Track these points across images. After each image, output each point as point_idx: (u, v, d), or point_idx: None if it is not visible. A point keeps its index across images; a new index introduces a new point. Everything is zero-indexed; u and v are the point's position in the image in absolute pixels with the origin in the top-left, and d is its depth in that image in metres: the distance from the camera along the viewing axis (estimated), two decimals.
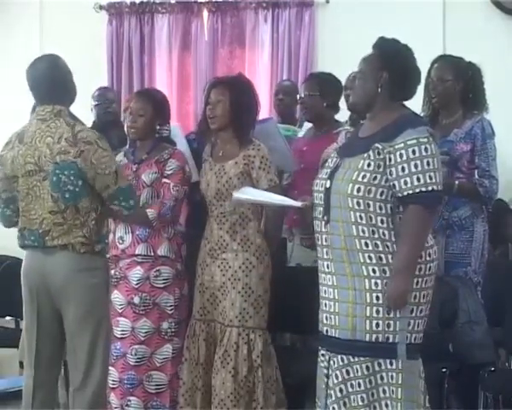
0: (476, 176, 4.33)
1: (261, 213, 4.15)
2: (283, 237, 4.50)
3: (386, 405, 3.19)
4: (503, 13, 5.99)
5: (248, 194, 3.71)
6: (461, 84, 4.35)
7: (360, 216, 3.17)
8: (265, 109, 6.01)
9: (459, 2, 5.98)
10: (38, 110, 3.73)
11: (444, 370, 4.01)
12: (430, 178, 3.14)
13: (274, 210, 4.07)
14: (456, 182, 4.20)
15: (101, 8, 6.47)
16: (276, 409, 4.01)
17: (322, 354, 3.32)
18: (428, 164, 3.14)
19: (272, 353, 4.05)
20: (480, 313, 4.07)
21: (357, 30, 5.83)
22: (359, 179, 3.17)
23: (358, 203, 3.17)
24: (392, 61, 3.28)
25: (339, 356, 3.21)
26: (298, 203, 3.43)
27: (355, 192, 3.17)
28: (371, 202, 3.17)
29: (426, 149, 3.15)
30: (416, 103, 4.33)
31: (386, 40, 3.35)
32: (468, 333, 4.01)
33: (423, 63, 4.45)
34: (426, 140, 3.17)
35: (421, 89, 4.44)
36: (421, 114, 4.30)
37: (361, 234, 3.17)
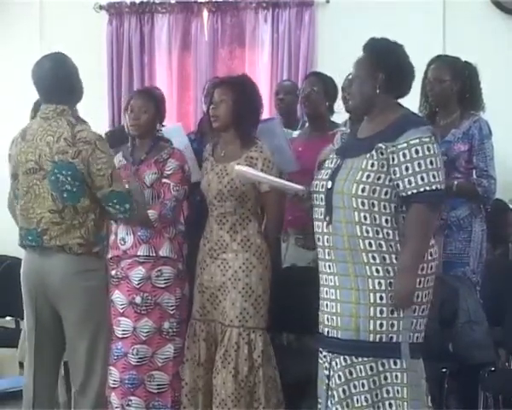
0: (474, 176, 4.34)
1: (262, 214, 4.15)
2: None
3: (390, 405, 3.19)
4: (503, 13, 5.99)
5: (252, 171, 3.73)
6: (458, 85, 4.36)
7: (364, 216, 3.17)
8: (265, 109, 6.00)
9: (459, 2, 5.98)
10: (42, 108, 3.75)
11: (444, 370, 4.01)
12: (434, 177, 3.16)
13: (275, 211, 4.08)
14: (455, 182, 4.20)
15: (101, 8, 6.47)
16: (275, 409, 4.01)
17: (324, 356, 3.31)
18: (432, 163, 3.16)
19: (272, 353, 4.06)
20: (479, 313, 4.07)
21: (357, 30, 5.81)
22: (363, 179, 3.18)
23: (363, 203, 3.17)
24: (386, 61, 3.29)
25: (341, 357, 3.21)
26: (300, 187, 3.40)
27: (360, 192, 3.17)
28: (376, 202, 3.18)
29: (428, 149, 3.16)
30: (414, 103, 4.36)
31: (377, 40, 3.36)
32: (468, 333, 4.01)
33: (423, 63, 4.47)
34: (428, 139, 3.18)
35: (417, 89, 4.46)
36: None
37: (365, 234, 3.17)
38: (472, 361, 4.00)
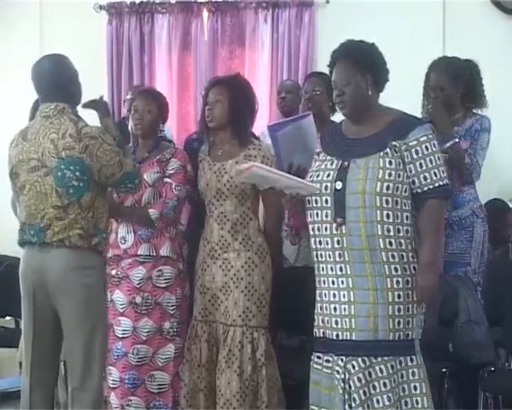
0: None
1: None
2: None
3: (406, 403, 3.22)
4: (503, 13, 6.00)
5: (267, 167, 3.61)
6: (461, 88, 4.36)
7: (387, 215, 3.20)
8: (265, 109, 6.02)
9: (459, 2, 5.97)
10: (42, 108, 3.76)
11: (444, 370, 4.02)
12: (443, 172, 3.25)
13: (274, 209, 4.08)
14: (456, 140, 4.20)
15: (101, 8, 6.46)
16: (277, 409, 4.01)
17: (327, 360, 3.30)
18: (439, 159, 3.26)
19: (273, 352, 4.06)
20: (480, 313, 4.08)
21: (357, 30, 5.77)
22: (386, 177, 3.21)
23: (387, 201, 3.20)
24: (369, 62, 3.34)
25: (359, 359, 3.20)
26: (314, 185, 3.34)
27: (384, 190, 3.20)
28: (399, 200, 3.22)
29: (434, 145, 3.26)
30: (415, 103, 4.36)
31: (350, 45, 3.40)
32: (468, 333, 4.01)
33: (423, 63, 4.48)
34: (432, 136, 3.28)
35: (416, 90, 4.47)
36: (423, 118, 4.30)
37: (386, 233, 3.20)
38: (472, 361, 4.00)
